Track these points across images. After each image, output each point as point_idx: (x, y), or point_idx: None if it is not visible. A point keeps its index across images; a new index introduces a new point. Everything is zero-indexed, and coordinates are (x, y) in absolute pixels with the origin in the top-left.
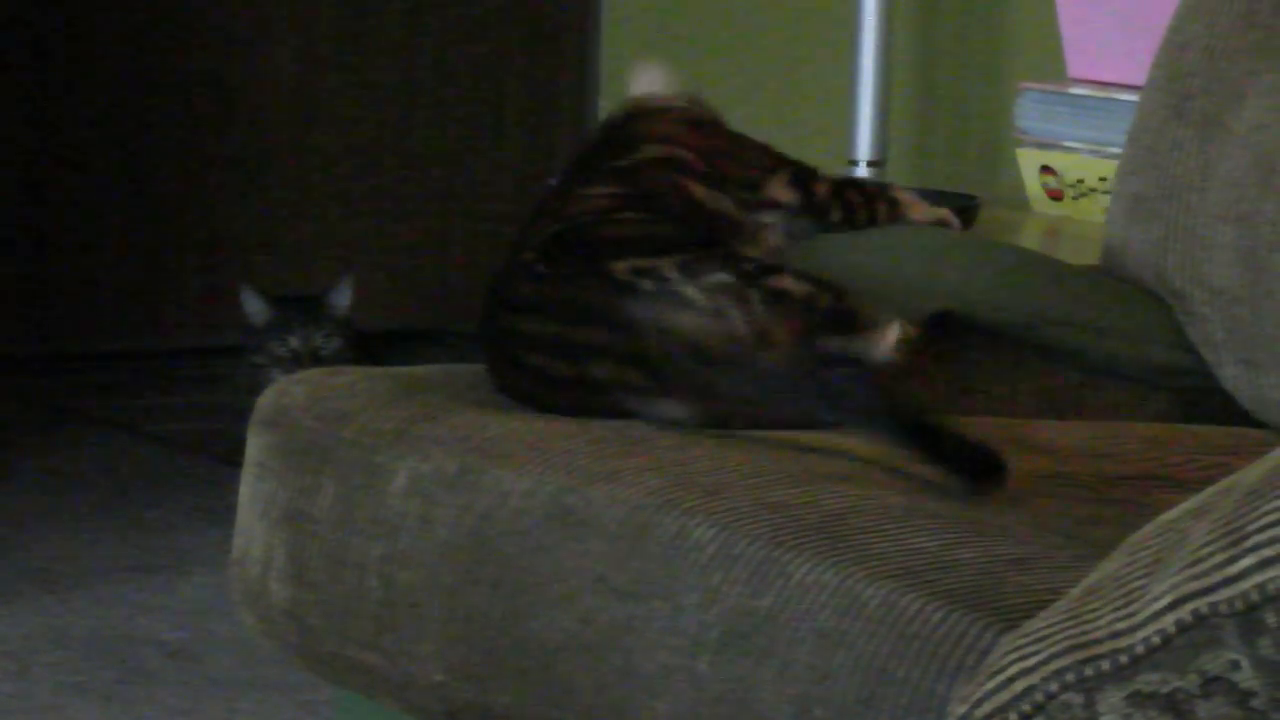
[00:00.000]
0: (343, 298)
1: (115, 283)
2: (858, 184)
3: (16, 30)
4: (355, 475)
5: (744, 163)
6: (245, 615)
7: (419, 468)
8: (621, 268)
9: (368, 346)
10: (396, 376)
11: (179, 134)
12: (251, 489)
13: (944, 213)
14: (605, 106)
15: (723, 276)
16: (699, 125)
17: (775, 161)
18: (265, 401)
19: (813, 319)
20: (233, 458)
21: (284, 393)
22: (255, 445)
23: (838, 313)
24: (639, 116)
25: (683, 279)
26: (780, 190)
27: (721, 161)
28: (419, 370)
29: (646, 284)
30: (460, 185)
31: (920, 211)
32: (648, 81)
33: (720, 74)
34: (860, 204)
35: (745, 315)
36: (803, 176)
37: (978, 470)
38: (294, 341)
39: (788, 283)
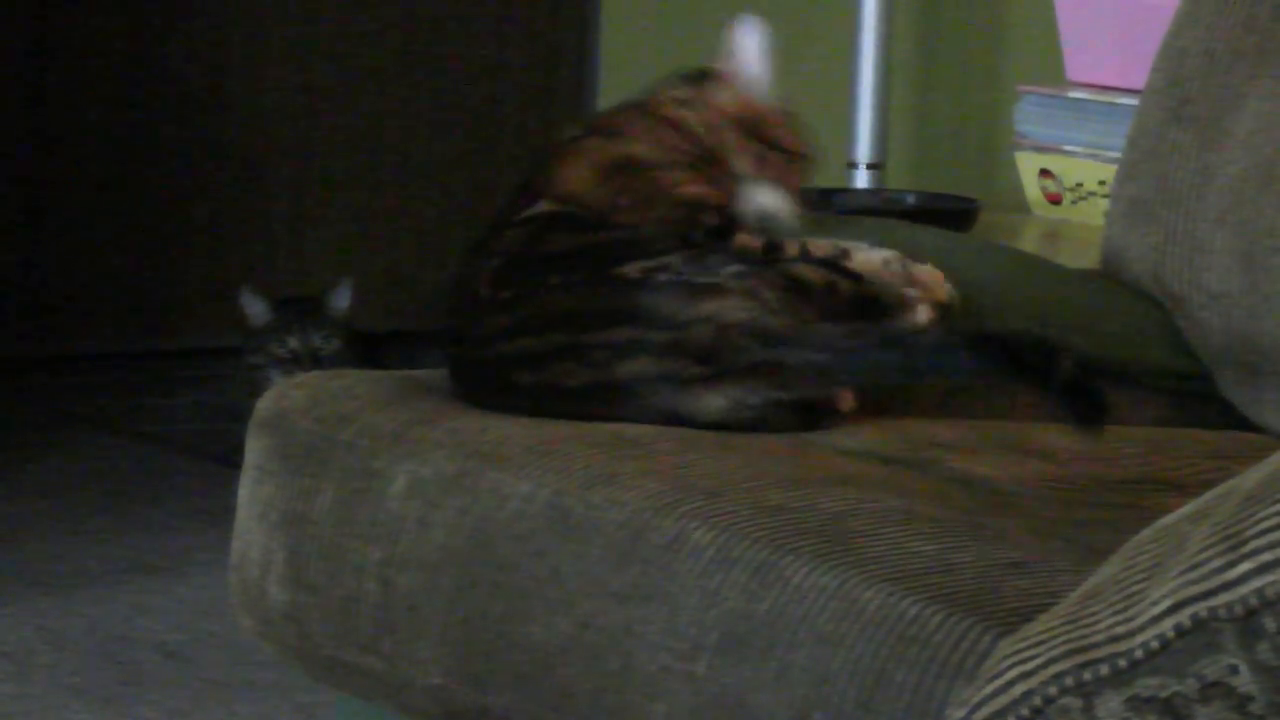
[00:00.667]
0: (342, 299)
1: (114, 284)
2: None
3: (16, 30)
4: (354, 478)
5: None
6: (244, 618)
7: (418, 471)
8: (630, 269)
9: (367, 348)
10: (395, 379)
11: (178, 136)
12: (250, 492)
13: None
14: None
15: (738, 266)
16: (614, 169)
17: (683, 231)
18: (264, 404)
19: (839, 306)
20: (231, 459)
21: (283, 396)
22: (254, 448)
23: (862, 298)
24: (542, 151)
25: (702, 270)
26: None
27: (624, 217)
28: (418, 373)
29: (663, 279)
30: (459, 188)
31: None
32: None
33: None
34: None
35: (777, 296)
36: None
37: (1080, 408)
38: (293, 342)
39: (803, 270)
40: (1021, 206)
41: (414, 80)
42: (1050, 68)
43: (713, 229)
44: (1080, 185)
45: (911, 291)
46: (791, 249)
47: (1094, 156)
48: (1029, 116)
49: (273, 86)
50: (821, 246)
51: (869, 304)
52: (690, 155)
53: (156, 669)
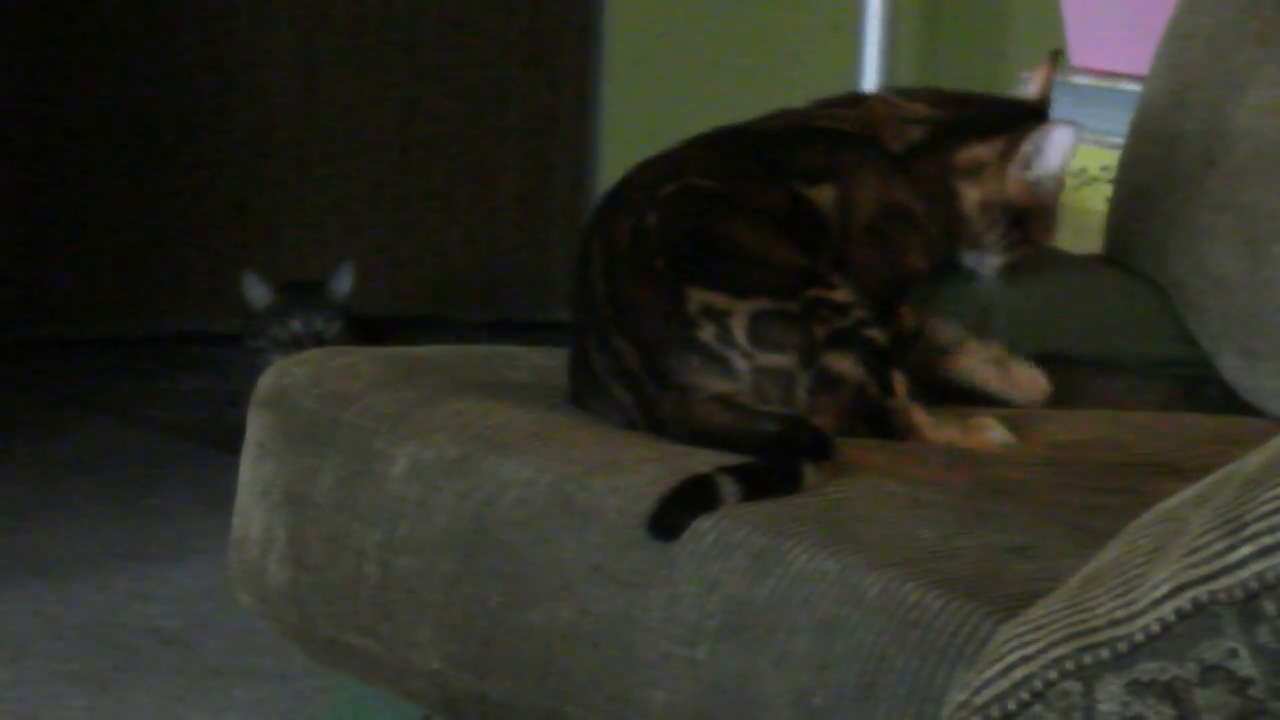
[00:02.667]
0: (343, 283)
1: (114, 268)
2: (907, 337)
3: (16, 15)
4: (355, 459)
5: (868, 270)
6: (243, 596)
7: (419, 453)
8: (697, 299)
9: (368, 332)
10: (399, 359)
11: (180, 121)
12: (251, 470)
13: (1013, 357)
14: (608, 94)
15: (782, 360)
16: (890, 211)
17: (881, 289)
18: (266, 382)
19: (855, 411)
20: (231, 444)
21: (285, 373)
22: (255, 426)
23: (877, 410)
24: (869, 144)
25: (744, 344)
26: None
27: (857, 250)
28: (422, 352)
29: (707, 333)
30: (462, 174)
31: (984, 352)
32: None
33: (723, 65)
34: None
35: (783, 403)
36: (884, 316)
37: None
38: (295, 325)
39: (847, 366)
40: None
41: (417, 64)
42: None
43: (889, 301)
44: (1084, 170)
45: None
46: (929, 335)
47: (1097, 142)
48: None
49: (275, 72)
50: (942, 334)
51: (881, 419)
52: (941, 229)
53: (154, 655)
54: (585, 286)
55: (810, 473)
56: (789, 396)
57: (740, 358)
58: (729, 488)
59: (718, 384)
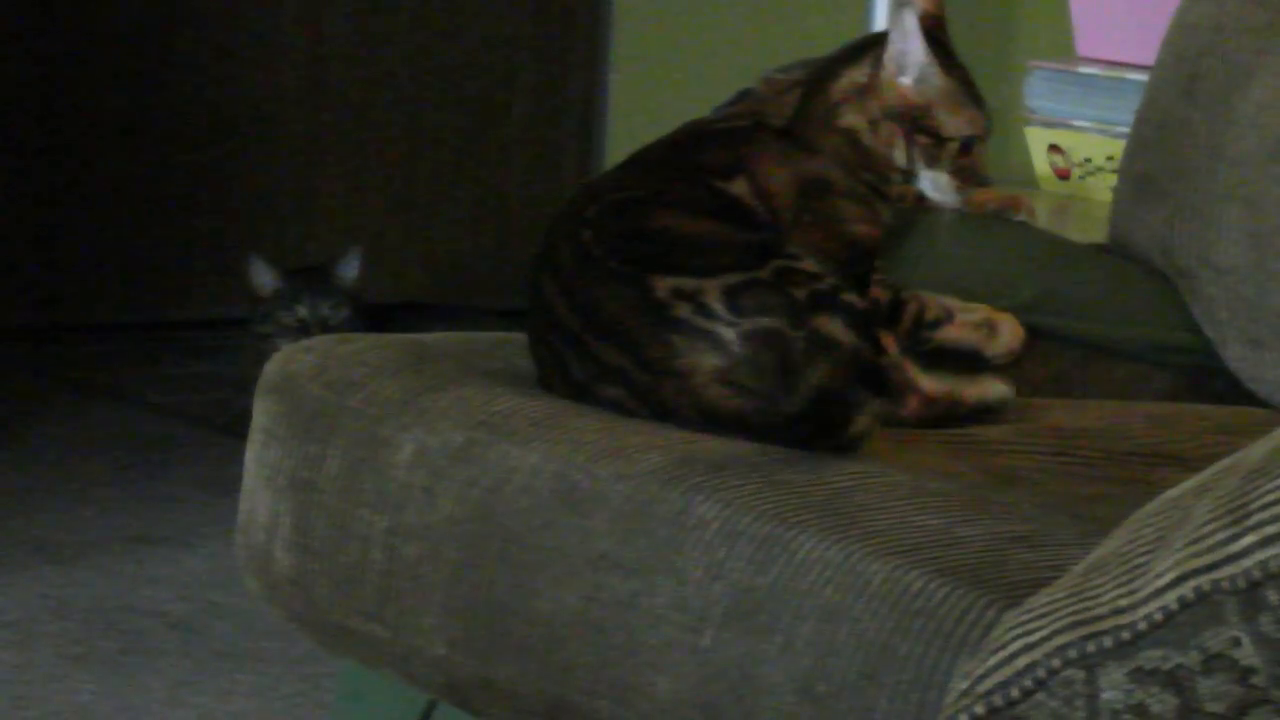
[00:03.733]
0: (350, 269)
1: (121, 254)
2: (880, 321)
3: (24, 6)
4: (361, 445)
5: (816, 250)
6: (249, 581)
7: (425, 440)
8: (663, 285)
9: (374, 319)
10: (405, 345)
11: (187, 110)
12: (257, 455)
13: (998, 315)
14: (616, 81)
15: (768, 321)
16: (805, 188)
17: (839, 265)
18: (273, 368)
19: (849, 373)
20: (237, 430)
21: (291, 360)
22: (261, 411)
23: (872, 370)
24: (756, 127)
25: (725, 315)
26: None
27: (798, 234)
28: (428, 339)
29: (684, 310)
30: (469, 160)
31: (969, 317)
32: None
33: (731, 51)
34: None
35: (780, 363)
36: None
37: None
38: (302, 311)
39: (838, 330)
40: (1030, 181)
41: (423, 51)
42: (1060, 43)
43: (855, 275)
44: (1089, 160)
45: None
46: (912, 308)
47: (1103, 132)
48: (1038, 91)
49: (281, 60)
50: (933, 308)
51: (877, 378)
52: (863, 179)
53: (161, 639)
54: (545, 315)
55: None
56: (785, 360)
57: (725, 327)
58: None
59: (709, 360)
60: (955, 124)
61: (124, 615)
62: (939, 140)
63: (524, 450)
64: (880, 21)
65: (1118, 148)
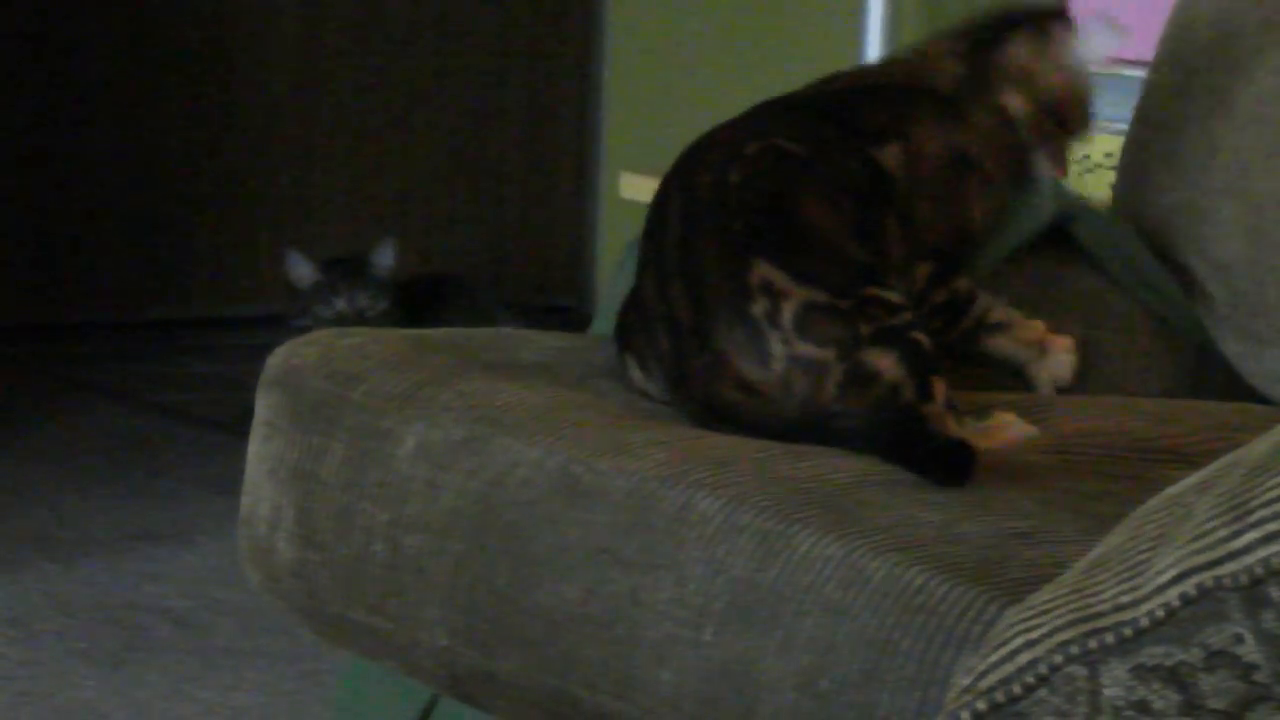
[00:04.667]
0: (386, 258)
1: (121, 253)
2: (954, 312)
3: (21, 3)
4: (363, 438)
5: (933, 224)
6: (252, 573)
7: (427, 433)
8: (760, 272)
9: (411, 305)
10: (406, 339)
11: (185, 109)
12: (260, 448)
13: (1053, 338)
14: (609, 80)
15: (820, 353)
16: (955, 158)
17: (945, 245)
18: (275, 361)
19: (886, 403)
20: (239, 427)
21: (294, 353)
22: (264, 404)
23: (910, 416)
24: (922, 91)
25: (788, 329)
26: (920, 276)
27: (924, 204)
28: (430, 333)
29: (759, 308)
30: (464, 160)
31: (1024, 333)
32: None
33: (726, 48)
34: (936, 328)
35: (807, 395)
36: (937, 279)
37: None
38: (340, 304)
39: (886, 363)
40: None
41: (418, 51)
42: None
43: (953, 260)
44: (1087, 157)
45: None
46: (980, 304)
47: (1101, 128)
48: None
49: (278, 59)
50: (997, 313)
51: (910, 419)
52: (1003, 164)
53: (163, 636)
54: (659, 226)
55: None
56: (817, 390)
57: (779, 342)
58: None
59: (750, 368)
60: (1081, 120)
61: (126, 612)
62: (1063, 132)
63: (526, 444)
64: (874, 20)
65: (1116, 145)
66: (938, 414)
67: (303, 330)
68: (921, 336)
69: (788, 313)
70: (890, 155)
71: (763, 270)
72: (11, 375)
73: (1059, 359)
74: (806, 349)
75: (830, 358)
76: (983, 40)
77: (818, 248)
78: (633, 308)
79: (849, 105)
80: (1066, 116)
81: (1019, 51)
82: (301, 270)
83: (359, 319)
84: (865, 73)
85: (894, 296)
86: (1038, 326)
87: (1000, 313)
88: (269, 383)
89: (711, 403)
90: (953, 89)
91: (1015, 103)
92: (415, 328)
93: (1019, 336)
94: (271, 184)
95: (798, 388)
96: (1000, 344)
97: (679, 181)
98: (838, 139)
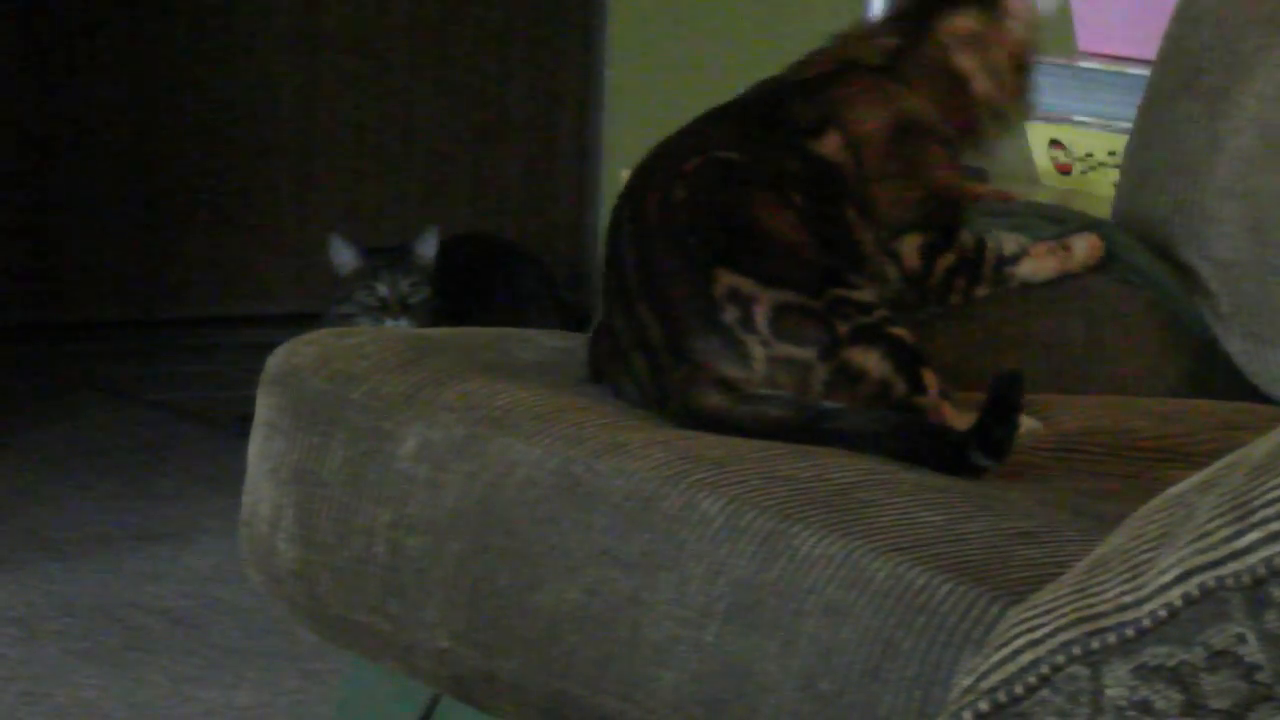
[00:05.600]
0: (429, 247)
1: (121, 252)
2: (971, 267)
3: (21, 5)
4: (364, 439)
5: (898, 201)
6: (253, 574)
7: (428, 434)
8: (724, 281)
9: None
10: (407, 339)
11: (184, 107)
12: (261, 448)
13: (1067, 239)
14: (611, 78)
15: (801, 352)
16: (902, 129)
17: (923, 216)
18: (276, 360)
19: (878, 402)
20: (240, 426)
21: (294, 353)
22: (265, 404)
23: (906, 406)
24: (848, 68)
25: (764, 332)
26: (909, 253)
27: (880, 187)
28: (430, 333)
29: (730, 316)
30: (465, 157)
31: (1042, 248)
32: None
33: (727, 45)
34: (961, 288)
35: (794, 395)
36: (936, 249)
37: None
38: (382, 290)
39: (871, 362)
40: (1031, 177)
41: (419, 48)
42: (1061, 38)
43: (944, 228)
44: (1090, 155)
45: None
46: (990, 247)
47: (1104, 127)
48: (1039, 86)
49: (278, 56)
50: (1009, 244)
51: (909, 408)
52: (955, 123)
53: (164, 635)
54: (616, 254)
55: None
56: (803, 390)
57: (758, 344)
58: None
59: (731, 369)
60: (1018, 104)
61: (127, 611)
62: (1025, 75)
63: (526, 445)
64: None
65: (1119, 143)
66: (934, 405)
67: (345, 317)
68: (900, 331)
69: (761, 316)
70: (830, 145)
71: (727, 279)
72: (13, 374)
73: (1081, 246)
74: (786, 349)
75: (812, 357)
76: (918, 11)
77: (778, 250)
78: (603, 337)
79: (782, 104)
80: (1028, 61)
81: (960, 18)
82: (344, 256)
83: (401, 306)
84: (795, 68)
85: (862, 295)
86: (1049, 240)
87: (1011, 243)
88: (269, 383)
89: (693, 410)
90: (884, 60)
91: (970, 65)
92: (458, 317)
93: (1040, 253)
94: (272, 183)
95: (783, 384)
96: (1028, 269)
97: (628, 209)
98: (775, 140)
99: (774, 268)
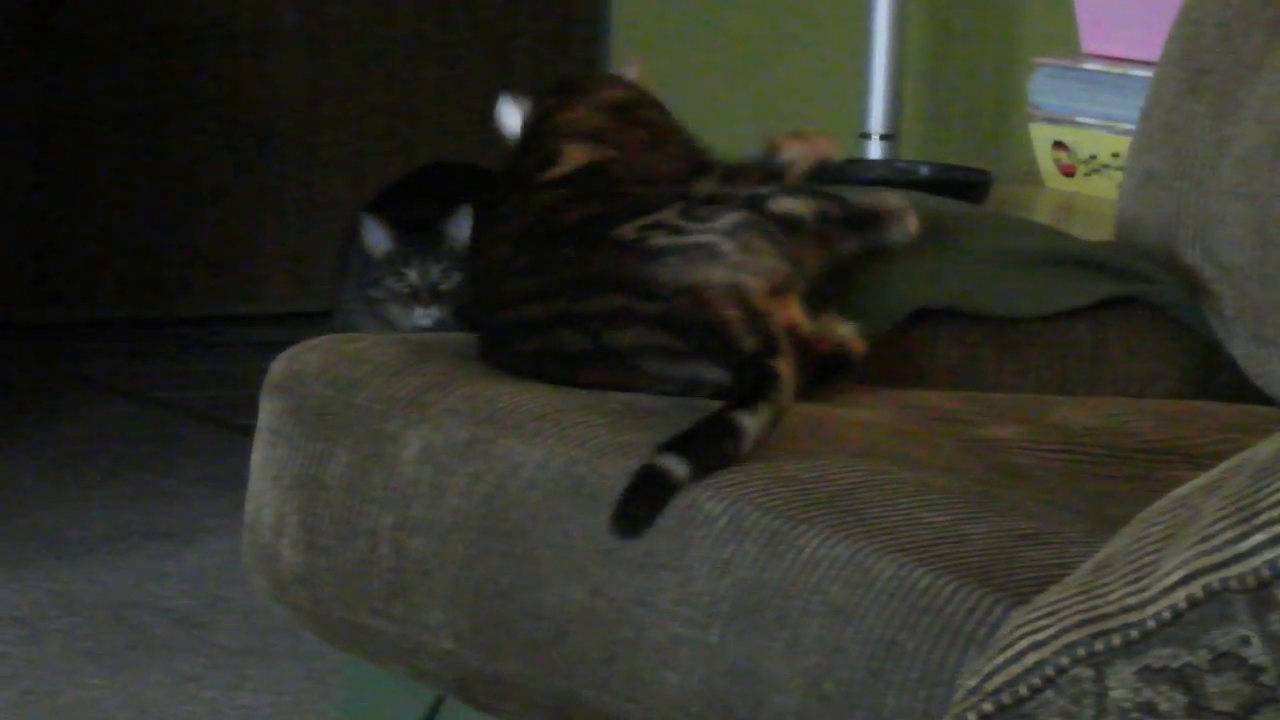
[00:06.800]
0: (462, 227)
1: (124, 250)
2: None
3: (22, 2)
4: (367, 443)
5: (671, 156)
6: (257, 580)
7: (431, 437)
8: (627, 229)
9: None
10: (409, 343)
11: (187, 105)
12: (264, 454)
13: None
14: (616, 63)
15: (736, 216)
16: (623, 110)
17: (701, 160)
18: (278, 367)
19: (834, 231)
20: (242, 425)
21: (296, 359)
22: (268, 410)
23: (853, 216)
24: (562, 104)
25: (698, 226)
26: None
27: (649, 157)
28: (431, 337)
29: (659, 238)
30: (469, 154)
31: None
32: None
33: (734, 47)
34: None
35: (775, 247)
36: (730, 177)
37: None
38: (412, 276)
39: (791, 205)
40: (1035, 178)
41: (423, 43)
42: (1065, 39)
43: (714, 169)
44: (1094, 157)
45: (896, 200)
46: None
47: (1108, 129)
48: (1043, 88)
49: (281, 52)
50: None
51: (863, 221)
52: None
53: (168, 635)
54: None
55: (751, 422)
56: (776, 241)
57: (705, 235)
58: (679, 469)
59: (712, 271)
60: None
61: (131, 610)
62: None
63: (530, 446)
64: (880, 21)
65: (1123, 145)
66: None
67: (375, 301)
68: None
69: (679, 219)
70: (574, 156)
71: (625, 229)
72: (12, 373)
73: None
74: (729, 219)
75: (751, 216)
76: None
77: (629, 202)
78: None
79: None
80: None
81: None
82: (376, 237)
83: (432, 294)
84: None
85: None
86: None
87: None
88: (272, 389)
89: (711, 325)
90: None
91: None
92: None
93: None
94: (276, 180)
95: (761, 246)
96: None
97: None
98: (524, 187)
99: (646, 203)
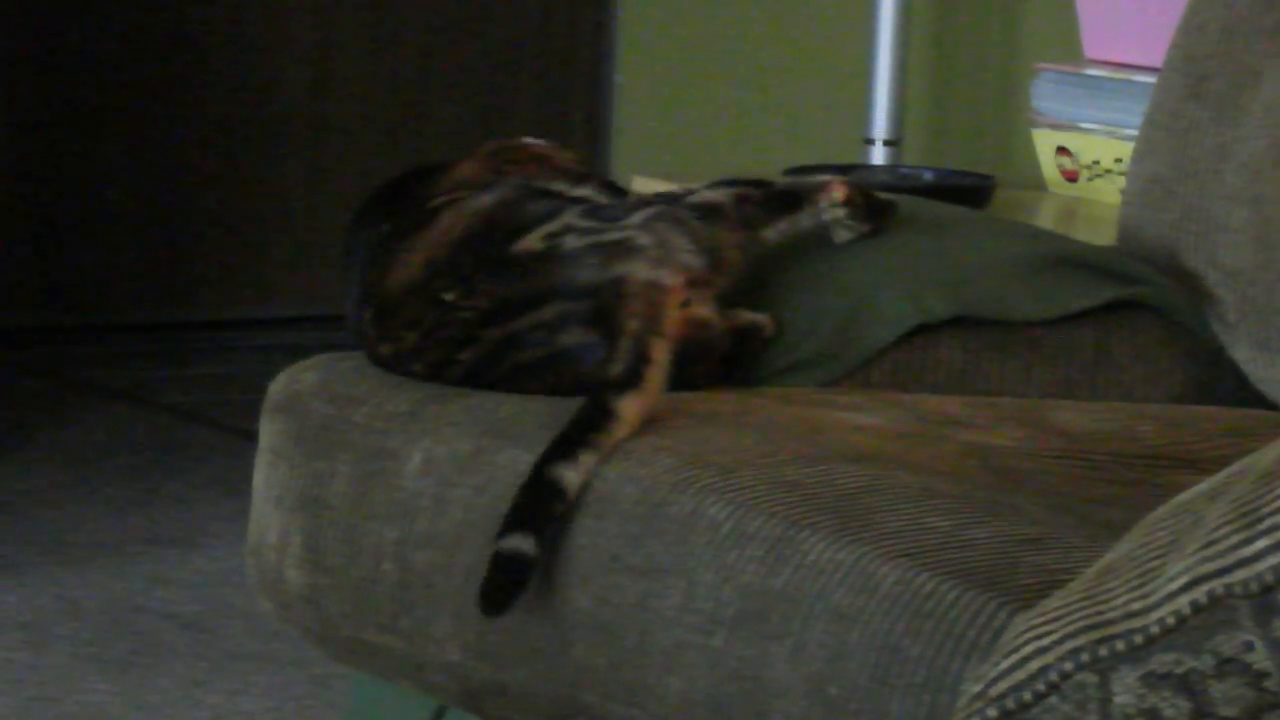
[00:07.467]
0: None
1: (130, 254)
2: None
3: (28, 2)
4: (369, 459)
5: (558, 169)
6: (262, 601)
7: (433, 450)
8: (531, 240)
9: None
10: None
11: (194, 111)
12: (266, 475)
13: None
14: (621, 85)
15: (650, 210)
16: (504, 152)
17: (582, 171)
18: (277, 387)
19: (756, 213)
20: (248, 430)
21: (295, 379)
22: (268, 431)
23: (775, 198)
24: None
25: (611, 224)
26: (595, 196)
27: (540, 173)
28: None
29: (571, 241)
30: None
31: None
32: None
33: (737, 52)
34: None
35: (692, 240)
36: (611, 185)
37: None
38: None
39: (709, 194)
40: (1038, 184)
41: (430, 54)
42: (1068, 45)
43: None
44: (1097, 163)
45: (825, 178)
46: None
47: (1111, 134)
48: (1046, 94)
49: (288, 60)
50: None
51: (785, 200)
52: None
53: (174, 640)
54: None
55: (573, 476)
56: (694, 232)
57: (621, 232)
58: (525, 545)
59: (633, 266)
60: None
61: (136, 616)
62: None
63: (533, 455)
64: (885, 24)
65: (1126, 150)
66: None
67: None
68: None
69: (584, 221)
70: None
71: (529, 238)
72: (19, 378)
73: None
74: (641, 214)
75: (665, 209)
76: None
77: (524, 212)
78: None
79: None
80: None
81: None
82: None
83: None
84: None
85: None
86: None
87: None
88: (271, 410)
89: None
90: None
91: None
92: None
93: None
94: (280, 186)
95: (678, 241)
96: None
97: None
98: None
99: (537, 215)
